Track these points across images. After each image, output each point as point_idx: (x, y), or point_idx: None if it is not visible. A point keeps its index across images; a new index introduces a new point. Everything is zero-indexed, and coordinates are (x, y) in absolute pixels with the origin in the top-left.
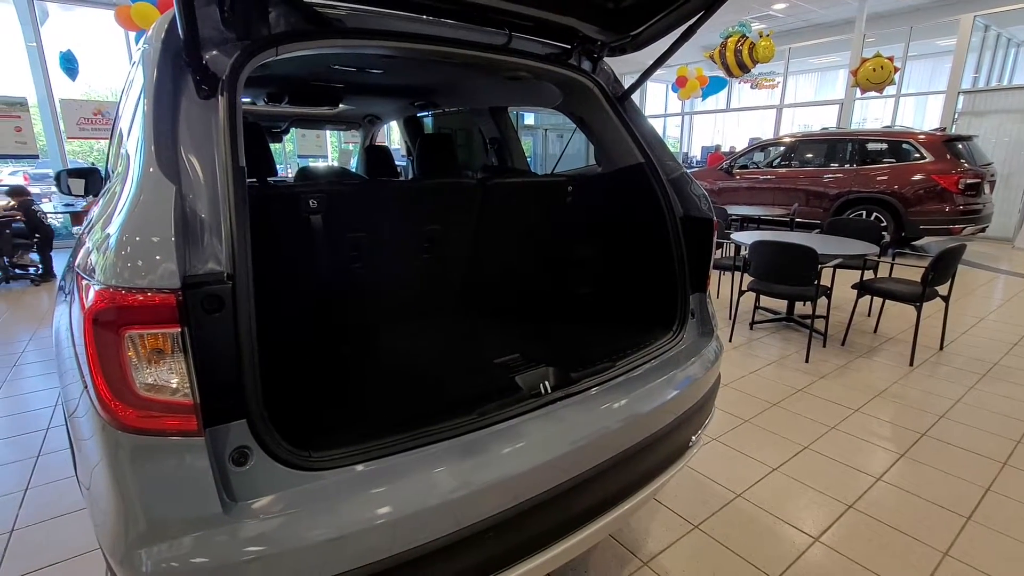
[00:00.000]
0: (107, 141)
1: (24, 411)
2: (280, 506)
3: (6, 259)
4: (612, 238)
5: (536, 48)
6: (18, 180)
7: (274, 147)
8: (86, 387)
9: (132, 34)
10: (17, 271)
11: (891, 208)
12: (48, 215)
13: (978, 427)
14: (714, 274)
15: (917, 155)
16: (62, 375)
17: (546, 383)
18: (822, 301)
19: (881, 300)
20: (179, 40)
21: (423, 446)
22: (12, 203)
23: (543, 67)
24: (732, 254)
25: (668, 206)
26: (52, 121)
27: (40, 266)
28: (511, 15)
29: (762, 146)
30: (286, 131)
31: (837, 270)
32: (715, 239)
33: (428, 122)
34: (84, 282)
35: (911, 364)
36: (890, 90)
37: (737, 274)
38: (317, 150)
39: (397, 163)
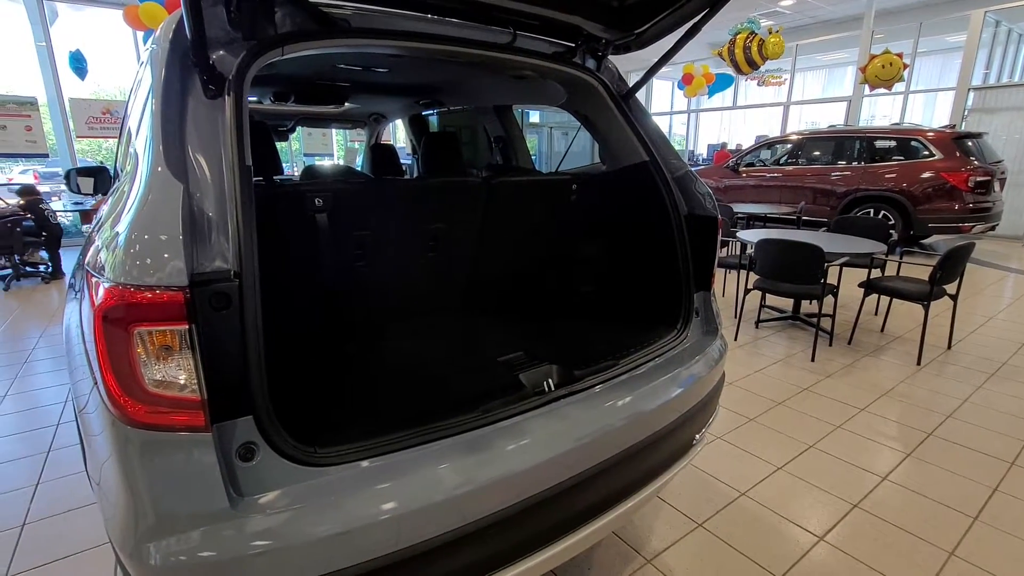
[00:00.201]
0: (116, 140)
1: (35, 407)
2: (286, 501)
3: (17, 257)
4: (616, 236)
5: (541, 47)
6: (28, 179)
7: (281, 145)
8: (96, 383)
9: (140, 34)
10: (28, 269)
11: (899, 206)
12: (58, 213)
13: (986, 427)
14: (719, 272)
15: (926, 152)
16: (72, 371)
17: (550, 381)
18: (828, 300)
19: (888, 299)
20: (186, 40)
21: (428, 442)
22: (20, 202)
23: (547, 65)
24: (738, 252)
25: (672, 204)
26: (61, 120)
27: (50, 264)
28: (515, 14)
29: (769, 144)
30: (292, 129)
31: (844, 269)
32: (720, 237)
33: (433, 120)
34: (94, 280)
35: (918, 363)
36: (899, 87)
37: (743, 272)
38: (323, 148)
39: (402, 161)
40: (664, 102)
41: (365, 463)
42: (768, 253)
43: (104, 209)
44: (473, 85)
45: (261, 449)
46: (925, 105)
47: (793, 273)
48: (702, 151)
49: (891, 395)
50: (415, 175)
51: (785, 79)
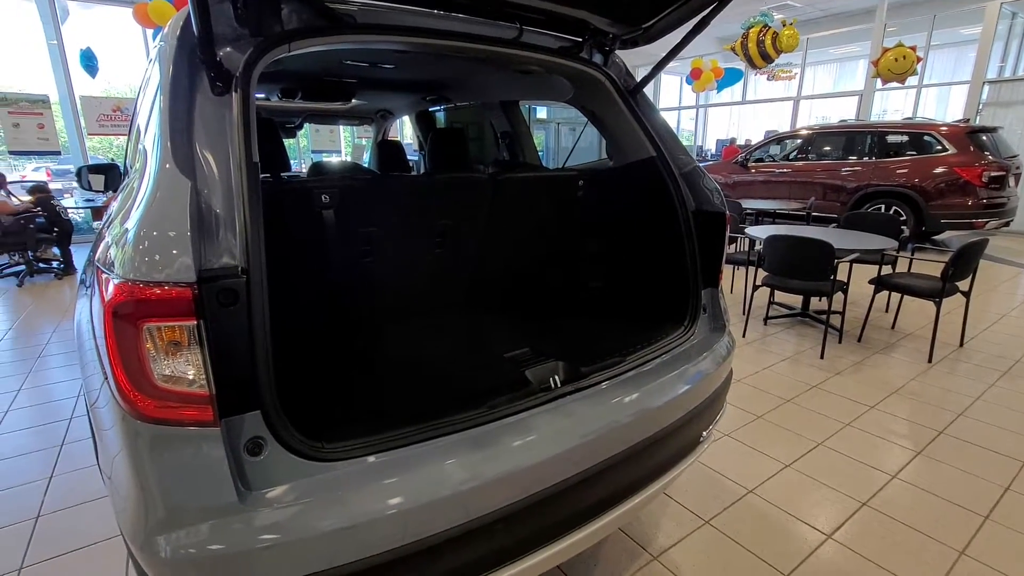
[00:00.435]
0: (125, 137)
1: (49, 401)
2: (293, 495)
3: (30, 253)
4: (623, 232)
5: (547, 42)
6: (41, 176)
7: (288, 142)
8: (106, 378)
9: (149, 31)
10: (41, 265)
11: (911, 202)
12: (69, 210)
13: (998, 425)
14: (728, 268)
15: (939, 147)
16: (83, 366)
17: (556, 377)
18: (838, 296)
19: (899, 296)
20: (194, 37)
21: (433, 438)
22: (32, 199)
23: (554, 61)
24: (746, 248)
25: (680, 200)
26: (73, 118)
27: (62, 260)
28: (522, 8)
29: (778, 139)
30: (300, 126)
31: (854, 265)
32: (728, 233)
33: (440, 116)
34: (104, 276)
35: (929, 361)
36: (912, 81)
37: (751, 269)
38: (331, 145)
39: (409, 158)
40: (672, 97)
41: (371, 458)
42: (777, 249)
43: (114, 206)
44: (479, 81)
45: (269, 444)
46: (938, 99)
47: (802, 269)
48: (711, 146)
49: (901, 393)
50: (422, 171)
51: (795, 73)
